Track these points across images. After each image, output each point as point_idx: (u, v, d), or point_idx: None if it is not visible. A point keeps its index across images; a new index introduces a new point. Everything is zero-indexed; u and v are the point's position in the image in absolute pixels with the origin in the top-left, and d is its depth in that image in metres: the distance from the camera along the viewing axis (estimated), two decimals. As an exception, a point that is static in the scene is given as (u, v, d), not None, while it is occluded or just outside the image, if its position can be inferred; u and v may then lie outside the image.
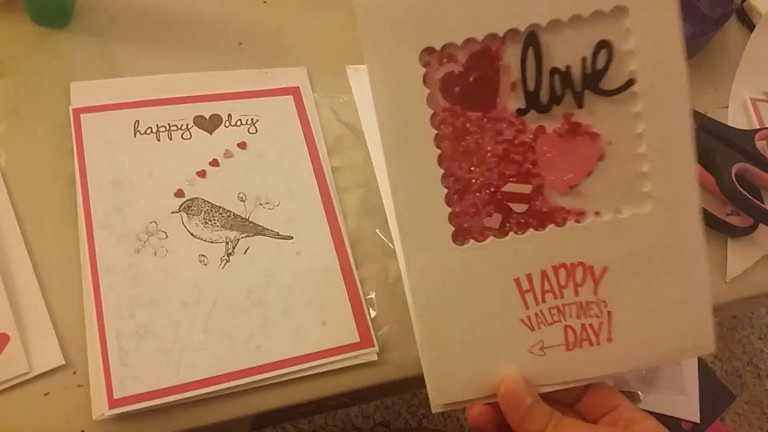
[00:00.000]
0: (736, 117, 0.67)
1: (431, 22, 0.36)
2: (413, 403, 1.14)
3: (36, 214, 0.47)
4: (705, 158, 0.59)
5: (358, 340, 0.47)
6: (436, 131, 0.37)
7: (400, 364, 0.47)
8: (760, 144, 0.60)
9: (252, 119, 0.54)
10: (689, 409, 0.97)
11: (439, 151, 0.37)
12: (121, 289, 0.45)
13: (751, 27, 0.73)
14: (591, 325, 0.40)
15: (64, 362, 0.43)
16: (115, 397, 0.41)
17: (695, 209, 0.39)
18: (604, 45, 0.37)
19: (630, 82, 0.37)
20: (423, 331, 0.39)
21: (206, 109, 0.54)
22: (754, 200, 0.56)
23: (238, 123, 0.54)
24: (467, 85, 0.37)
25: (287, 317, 0.47)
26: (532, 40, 0.36)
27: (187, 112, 0.54)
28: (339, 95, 0.58)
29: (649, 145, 0.38)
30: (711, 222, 0.58)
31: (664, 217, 0.39)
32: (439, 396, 0.40)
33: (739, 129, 0.62)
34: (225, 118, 0.54)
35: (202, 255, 0.48)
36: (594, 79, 0.37)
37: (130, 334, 0.44)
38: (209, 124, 0.54)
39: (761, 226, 0.58)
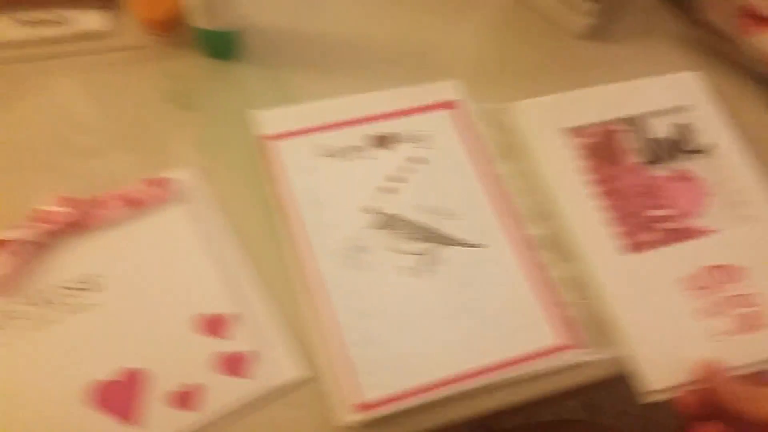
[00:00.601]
0: None
1: (566, 113, 0.59)
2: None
3: (249, 237, 0.51)
4: None
5: (560, 342, 0.49)
6: (587, 177, 0.56)
7: (604, 363, 0.49)
8: None
9: (420, 135, 0.57)
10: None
11: (593, 190, 0.55)
12: (346, 302, 0.49)
13: None
14: (754, 312, 0.51)
15: (308, 374, 0.46)
16: (359, 404, 0.45)
17: None
18: (680, 125, 0.59)
19: (706, 144, 0.58)
20: (626, 329, 0.49)
21: (378, 129, 0.57)
22: None
23: (409, 139, 0.57)
24: (599, 150, 0.57)
25: (490, 323, 0.50)
26: (634, 123, 0.59)
27: (362, 133, 0.57)
28: (494, 103, 0.60)
29: (737, 182, 0.57)
30: None
31: (765, 230, 0.55)
32: (652, 383, 0.48)
33: None
34: (397, 136, 0.57)
35: (405, 267, 0.51)
36: (683, 144, 0.59)
37: (362, 344, 0.47)
38: (385, 142, 0.57)
39: None
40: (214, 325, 0.47)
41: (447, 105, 0.60)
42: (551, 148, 0.57)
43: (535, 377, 0.49)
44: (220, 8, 0.54)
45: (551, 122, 0.58)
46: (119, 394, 0.44)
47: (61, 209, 0.47)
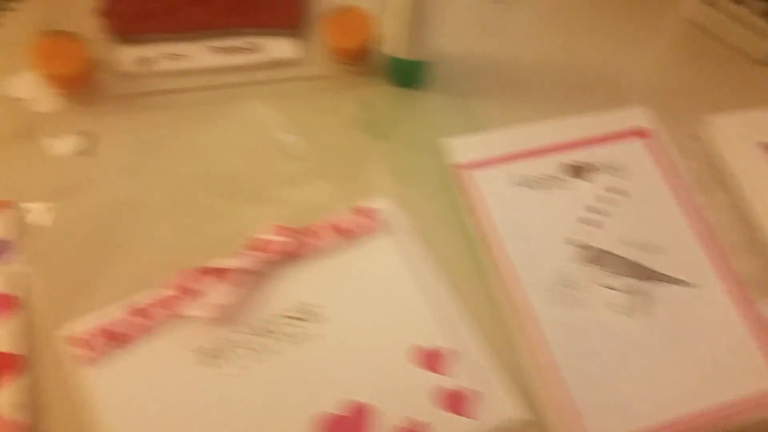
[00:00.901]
0: None
1: (762, 129, 0.58)
2: None
3: (452, 269, 0.50)
4: None
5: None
6: None
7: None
8: None
9: (616, 164, 0.56)
10: None
11: None
12: (562, 340, 0.47)
13: None
14: None
15: (529, 416, 0.45)
16: (588, 449, 0.43)
17: None
18: None
19: None
20: None
21: (571, 158, 0.56)
22: None
23: (605, 169, 0.55)
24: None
25: (709, 366, 0.47)
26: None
27: (556, 162, 0.56)
28: (685, 131, 0.58)
29: None
30: None
31: None
32: None
33: None
34: (592, 165, 0.55)
35: (617, 305, 0.49)
36: None
37: (584, 386, 0.46)
38: (580, 172, 0.55)
39: None
40: (432, 359, 0.46)
41: (639, 133, 0.58)
42: (751, 163, 0.56)
43: (757, 423, 0.46)
44: (417, 38, 0.54)
45: (749, 137, 0.58)
46: (347, 429, 0.43)
47: (279, 238, 0.47)
